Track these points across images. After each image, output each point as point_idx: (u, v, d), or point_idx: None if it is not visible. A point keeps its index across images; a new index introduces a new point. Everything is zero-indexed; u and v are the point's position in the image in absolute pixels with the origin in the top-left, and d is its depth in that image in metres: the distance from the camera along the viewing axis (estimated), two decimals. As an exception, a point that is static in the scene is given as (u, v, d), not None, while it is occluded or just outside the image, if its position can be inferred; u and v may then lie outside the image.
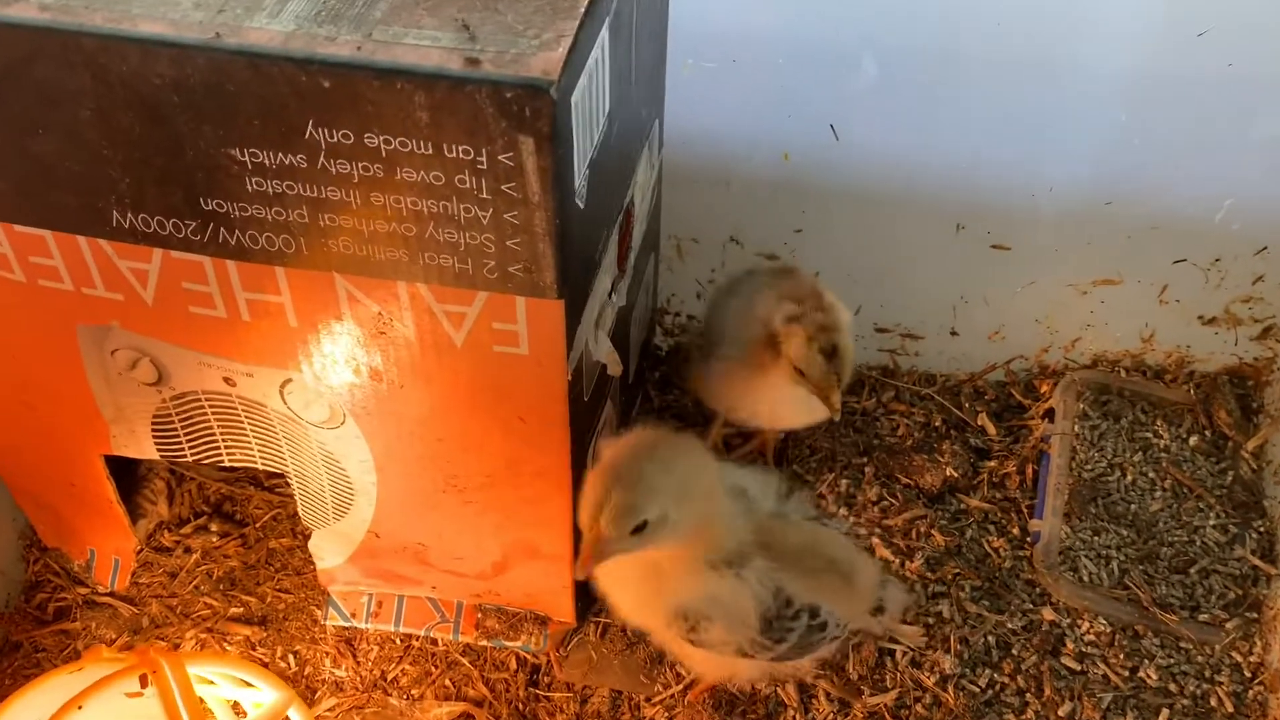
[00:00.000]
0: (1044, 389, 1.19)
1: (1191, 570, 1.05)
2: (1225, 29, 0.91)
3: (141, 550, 1.08)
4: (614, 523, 0.73)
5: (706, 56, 0.99)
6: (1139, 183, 1.01)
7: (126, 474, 1.09)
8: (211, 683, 0.86)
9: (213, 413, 0.88)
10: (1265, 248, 1.04)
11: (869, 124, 1.00)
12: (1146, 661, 1.00)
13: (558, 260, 0.70)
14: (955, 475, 1.12)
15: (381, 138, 0.65)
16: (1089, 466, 1.12)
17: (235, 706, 0.87)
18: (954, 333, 1.18)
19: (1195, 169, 1.00)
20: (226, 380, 0.84)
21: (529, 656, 1.03)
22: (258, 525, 1.12)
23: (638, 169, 0.91)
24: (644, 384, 1.20)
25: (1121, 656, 1.00)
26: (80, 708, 0.73)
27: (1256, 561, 1.05)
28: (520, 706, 1.01)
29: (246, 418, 0.87)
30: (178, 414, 0.88)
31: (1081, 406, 1.16)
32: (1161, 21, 0.91)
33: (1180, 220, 1.03)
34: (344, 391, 0.82)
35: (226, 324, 0.79)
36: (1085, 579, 1.05)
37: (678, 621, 0.82)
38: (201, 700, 0.85)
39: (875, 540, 1.07)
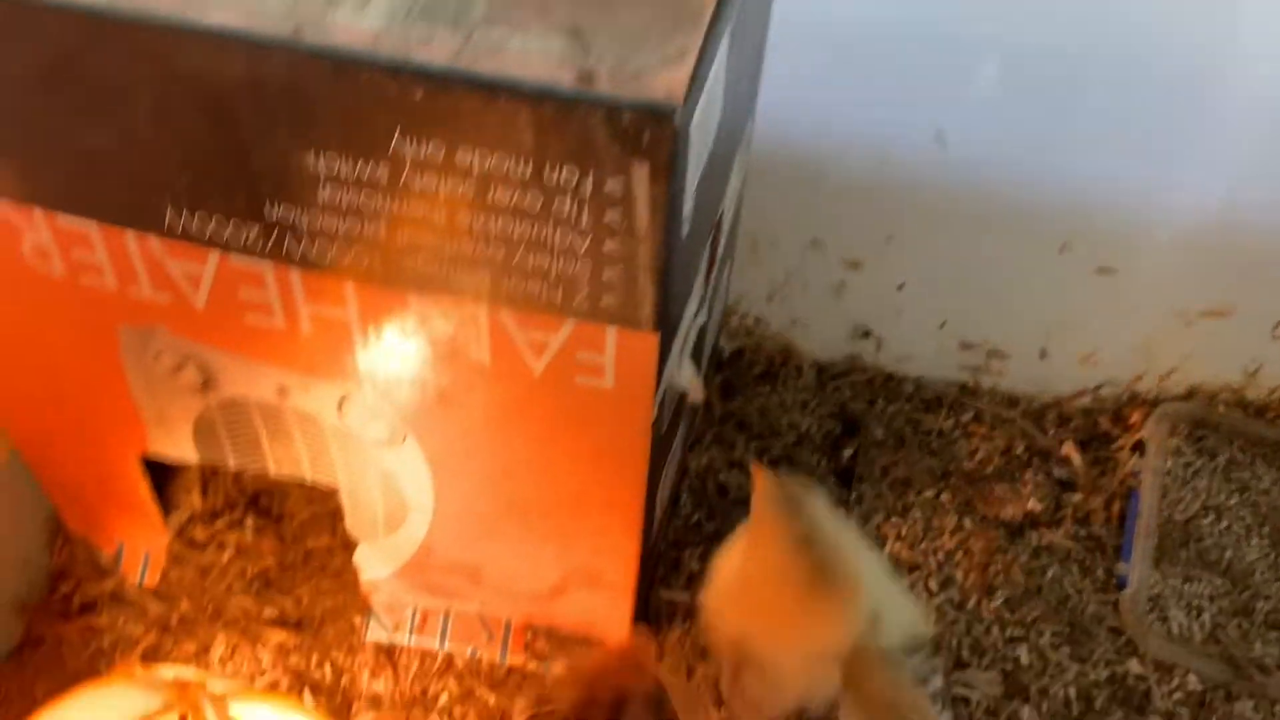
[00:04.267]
0: (1134, 418, 1.11)
1: (1290, 628, 0.99)
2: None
3: (173, 544, 1.03)
4: None
5: (806, 45, 0.91)
6: (1271, 212, 0.92)
7: (159, 463, 1.03)
8: (249, 705, 0.81)
9: (262, 422, 0.81)
10: (1394, 289, 0.97)
11: (981, 131, 0.92)
12: (1239, 726, 0.94)
13: (657, 294, 0.63)
14: (1037, 508, 1.05)
15: (477, 153, 0.58)
16: (1181, 507, 1.05)
17: (273, 733, 0.82)
18: (1044, 354, 1.10)
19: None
20: (280, 391, 0.78)
21: (579, 681, 0.97)
22: (295, 522, 1.06)
23: (731, 177, 0.83)
24: (705, 391, 1.13)
25: (1213, 719, 0.94)
26: (114, 747, 0.68)
27: (1361, 623, 0.99)
28: (568, 733, 0.95)
29: (299, 430, 0.81)
30: (223, 421, 0.82)
31: (1175, 441, 1.09)
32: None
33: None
34: (407, 411, 0.76)
35: (284, 335, 0.72)
36: (1175, 631, 0.98)
37: (732, 648, 0.76)
38: (238, 724, 0.79)
39: (954, 573, 1.01)
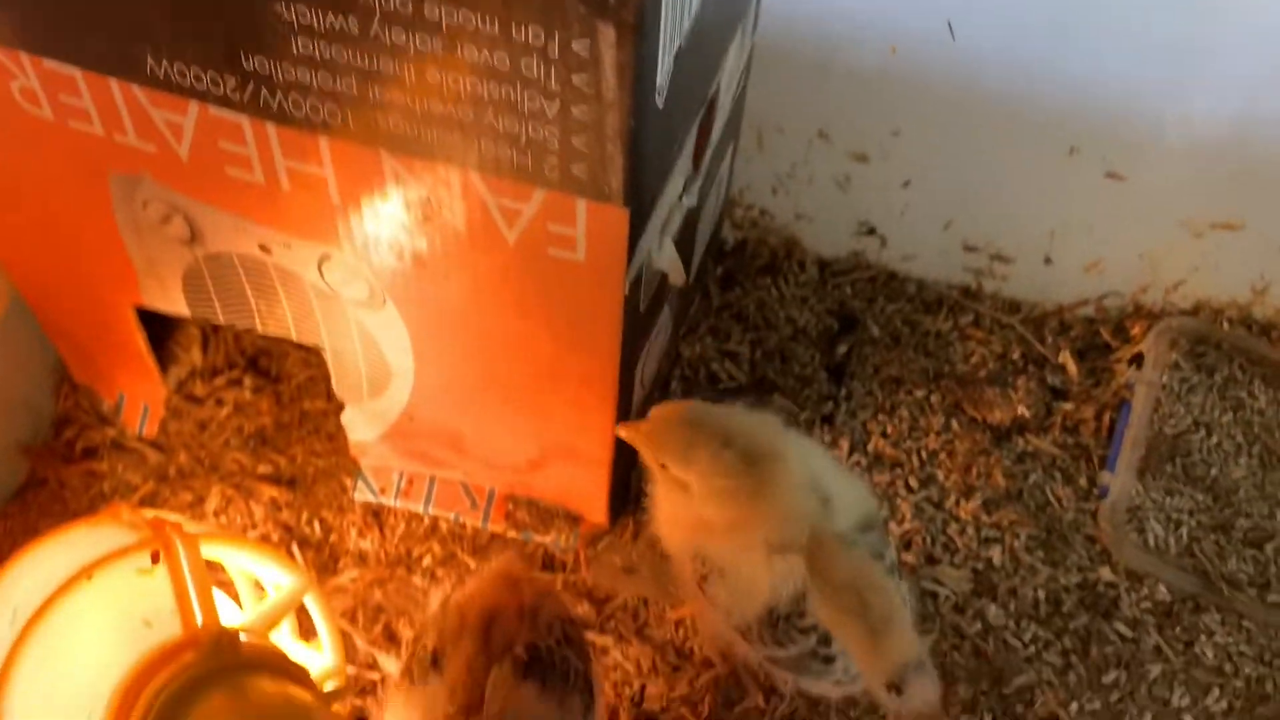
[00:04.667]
0: (1135, 331, 1.10)
1: (1267, 546, 0.99)
2: None
3: (172, 398, 1.05)
4: None
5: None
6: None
7: (160, 317, 1.05)
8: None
9: (247, 278, 0.82)
10: None
11: (993, 25, 0.89)
12: (1204, 637, 0.95)
13: (627, 165, 0.63)
14: (1027, 414, 1.05)
15: (443, 8, 0.57)
16: (1172, 421, 1.05)
17: (257, 580, 0.85)
18: (1048, 260, 1.08)
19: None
20: (262, 248, 0.78)
21: (557, 553, 0.99)
22: (293, 384, 1.08)
23: (727, 56, 0.82)
24: (704, 280, 1.13)
25: (1178, 629, 0.95)
26: (90, 579, 0.70)
27: (1340, 546, 0.99)
28: (543, 602, 0.98)
29: (282, 288, 0.82)
30: (211, 274, 0.83)
31: (1174, 356, 1.08)
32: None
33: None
34: (385, 274, 0.77)
35: (264, 191, 0.73)
36: (1150, 542, 0.98)
37: (694, 562, 0.77)
38: (220, 567, 0.82)
39: (935, 472, 1.02)
